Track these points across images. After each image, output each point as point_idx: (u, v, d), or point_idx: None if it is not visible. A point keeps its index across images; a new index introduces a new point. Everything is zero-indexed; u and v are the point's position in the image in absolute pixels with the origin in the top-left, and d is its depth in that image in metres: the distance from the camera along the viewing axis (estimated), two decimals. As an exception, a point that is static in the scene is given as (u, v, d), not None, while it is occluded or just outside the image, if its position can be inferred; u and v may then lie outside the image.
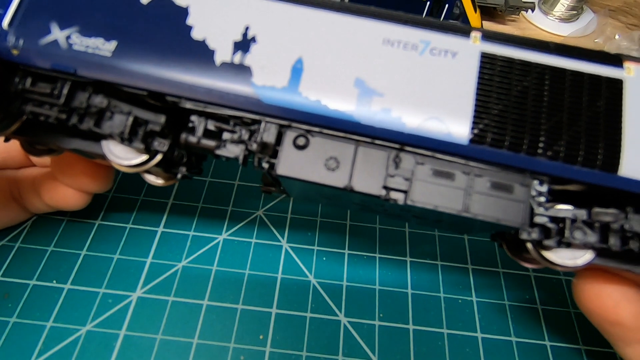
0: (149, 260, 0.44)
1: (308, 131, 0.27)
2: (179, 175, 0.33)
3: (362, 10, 0.28)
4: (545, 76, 0.26)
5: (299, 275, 0.45)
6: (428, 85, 0.26)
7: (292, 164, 0.27)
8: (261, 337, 0.40)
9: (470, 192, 0.27)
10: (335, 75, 0.26)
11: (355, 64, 0.27)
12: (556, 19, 0.81)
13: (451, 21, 0.29)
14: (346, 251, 0.47)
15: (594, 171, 0.25)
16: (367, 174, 0.27)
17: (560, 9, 0.80)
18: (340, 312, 0.42)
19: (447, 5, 0.63)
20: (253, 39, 0.27)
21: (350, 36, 0.27)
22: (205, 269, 0.44)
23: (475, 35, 0.27)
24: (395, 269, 0.46)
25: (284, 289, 0.44)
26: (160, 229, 0.47)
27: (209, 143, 0.29)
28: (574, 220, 0.27)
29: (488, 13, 0.78)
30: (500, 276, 0.47)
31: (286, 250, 0.47)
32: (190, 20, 0.27)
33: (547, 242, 0.27)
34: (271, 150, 0.27)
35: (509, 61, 0.27)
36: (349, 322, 0.42)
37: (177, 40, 0.27)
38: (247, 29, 0.27)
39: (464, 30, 0.27)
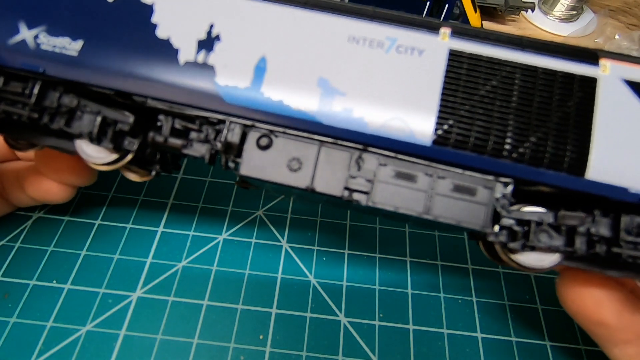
0: (149, 260, 0.44)
1: (272, 131, 0.27)
2: (153, 172, 0.33)
3: (329, 5, 0.28)
4: (515, 75, 0.26)
5: (299, 275, 0.45)
6: (392, 85, 0.26)
7: (255, 164, 0.27)
8: (261, 337, 0.40)
9: (432, 194, 0.26)
10: (298, 74, 0.26)
11: (319, 63, 0.26)
12: (556, 19, 0.80)
13: (423, 17, 0.28)
14: (346, 251, 0.47)
15: (560, 174, 0.25)
16: (329, 175, 0.26)
17: (560, 9, 0.80)
18: (340, 312, 0.42)
19: (447, 5, 0.63)
20: (217, 38, 0.27)
21: (315, 33, 0.27)
22: (205, 269, 0.44)
23: (445, 31, 0.27)
24: (395, 269, 0.46)
25: (284, 289, 0.44)
26: (160, 229, 0.47)
27: (176, 142, 0.29)
28: (539, 223, 0.27)
29: (488, 13, 0.78)
30: (500, 276, 0.47)
31: (286, 250, 0.47)
32: (155, 18, 0.27)
33: (512, 245, 0.27)
34: (236, 150, 0.27)
35: (477, 59, 0.26)
36: (349, 322, 0.42)
37: (142, 39, 0.27)
38: (211, 27, 0.27)
39: (433, 26, 0.27)
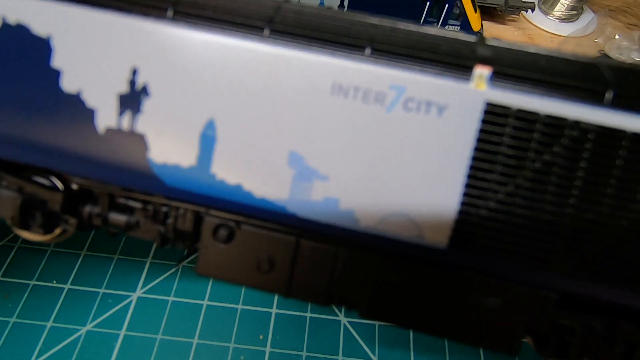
0: (149, 260, 0.44)
1: (234, 221, 0.20)
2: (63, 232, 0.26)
3: (302, 34, 0.18)
4: (586, 145, 0.17)
5: (299, 275, 0.45)
6: (395, 163, 0.18)
7: (215, 261, 0.21)
8: (261, 337, 0.40)
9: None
10: (261, 146, 0.18)
11: (290, 129, 0.18)
12: (556, 19, 0.80)
13: (448, 49, 0.18)
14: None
15: None
16: (310, 277, 0.20)
17: (560, 9, 0.80)
18: (340, 312, 0.42)
19: (447, 5, 0.63)
20: (144, 90, 0.19)
21: (285, 81, 0.18)
22: (205, 269, 0.44)
23: (481, 72, 0.17)
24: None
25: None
26: (160, 229, 0.47)
27: (119, 220, 0.23)
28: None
29: (488, 13, 0.78)
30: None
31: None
32: (56, 61, 0.19)
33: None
34: (190, 240, 0.22)
35: (531, 119, 0.17)
36: (349, 322, 0.42)
37: (44, 93, 0.19)
38: (134, 73, 0.18)
39: (463, 64, 0.18)
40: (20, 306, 0.40)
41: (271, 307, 0.42)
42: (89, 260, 0.44)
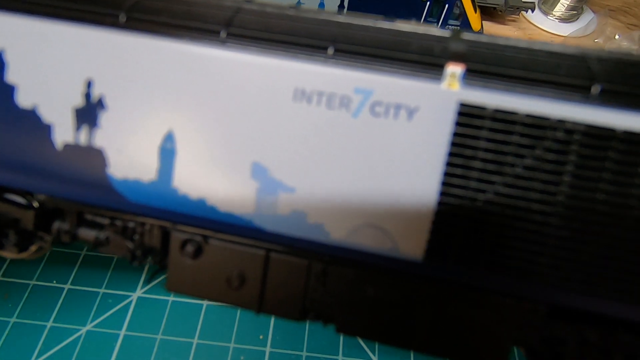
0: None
1: (201, 235, 0.20)
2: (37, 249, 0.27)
3: (261, 37, 0.17)
4: (571, 145, 0.15)
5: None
6: (364, 172, 0.17)
7: (184, 278, 0.20)
8: (261, 337, 0.40)
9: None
10: (223, 158, 0.17)
11: (252, 139, 0.17)
12: (556, 19, 0.80)
13: (418, 45, 0.17)
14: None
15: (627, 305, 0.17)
16: (283, 291, 0.19)
17: (560, 9, 0.80)
18: (340, 312, 0.42)
19: (447, 6, 0.63)
20: (100, 103, 0.18)
21: (245, 88, 0.17)
22: (205, 269, 0.44)
23: (453, 71, 0.16)
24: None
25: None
26: (160, 229, 0.47)
27: (88, 236, 0.23)
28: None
29: (488, 13, 0.78)
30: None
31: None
32: (10, 76, 0.18)
33: None
34: (159, 256, 0.22)
35: (509, 120, 0.16)
36: (349, 322, 0.42)
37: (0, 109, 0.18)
38: (89, 85, 0.18)
39: (434, 62, 0.16)
40: (20, 306, 0.40)
41: (271, 307, 0.42)
42: (89, 260, 0.44)
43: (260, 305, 0.19)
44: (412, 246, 0.17)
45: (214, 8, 0.18)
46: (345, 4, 0.62)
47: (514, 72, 0.16)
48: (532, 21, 0.81)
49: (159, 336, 0.39)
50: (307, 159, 0.17)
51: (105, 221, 0.21)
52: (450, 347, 0.19)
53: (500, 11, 0.77)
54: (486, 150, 0.16)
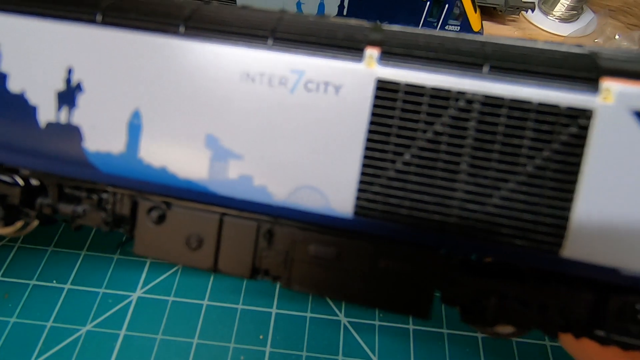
0: (150, 260, 0.44)
1: (165, 202, 0.22)
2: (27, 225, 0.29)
3: (212, 29, 0.21)
4: (472, 112, 0.19)
5: (299, 275, 0.45)
6: (300, 139, 0.20)
7: (150, 242, 0.23)
8: (261, 337, 0.40)
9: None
10: (182, 131, 0.21)
11: (206, 115, 0.21)
12: (556, 19, 0.80)
13: (345, 31, 0.20)
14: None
15: (527, 251, 0.20)
16: (235, 252, 0.22)
17: (560, 9, 0.80)
18: (340, 312, 0.42)
19: (447, 6, 0.63)
20: (79, 87, 0.21)
21: (200, 72, 0.21)
22: (205, 269, 0.44)
23: (371, 53, 0.20)
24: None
25: (285, 289, 0.43)
26: (160, 229, 0.47)
27: (67, 209, 0.25)
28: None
29: (488, 13, 0.78)
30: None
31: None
32: (4, 65, 0.22)
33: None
34: (130, 224, 0.24)
35: (418, 92, 0.19)
36: (349, 322, 0.42)
37: None
38: (70, 72, 0.21)
39: (356, 46, 0.20)
40: (20, 306, 0.40)
41: (271, 307, 0.42)
42: (89, 260, 0.44)
43: (216, 265, 0.22)
44: (343, 204, 0.20)
45: (175, 7, 0.22)
46: (345, 4, 0.63)
47: (424, 53, 0.19)
48: (532, 21, 0.81)
49: (159, 336, 0.39)
50: (253, 129, 0.20)
51: (83, 194, 0.24)
52: (380, 298, 0.22)
53: (500, 11, 0.77)
54: (401, 118, 0.19)
